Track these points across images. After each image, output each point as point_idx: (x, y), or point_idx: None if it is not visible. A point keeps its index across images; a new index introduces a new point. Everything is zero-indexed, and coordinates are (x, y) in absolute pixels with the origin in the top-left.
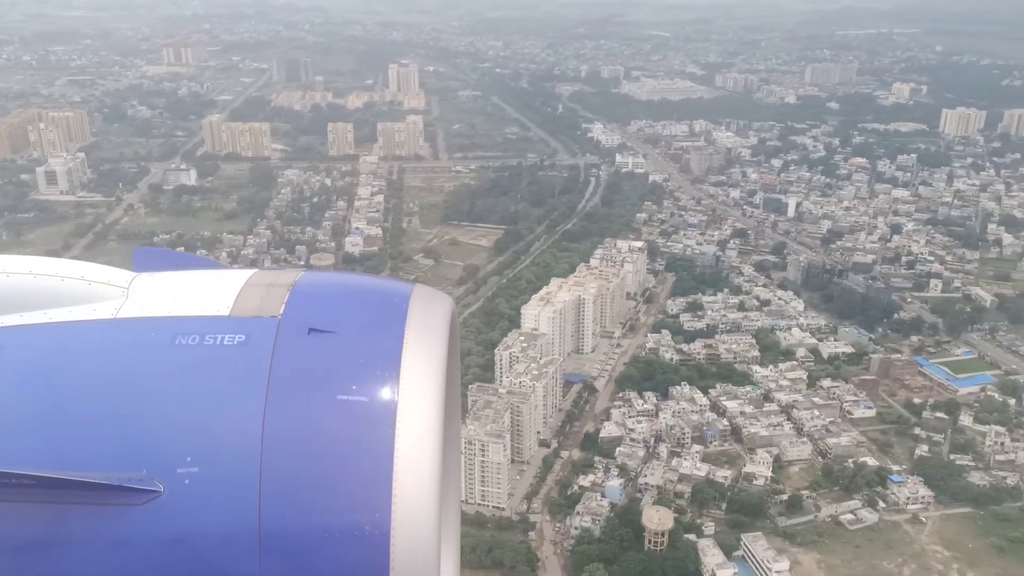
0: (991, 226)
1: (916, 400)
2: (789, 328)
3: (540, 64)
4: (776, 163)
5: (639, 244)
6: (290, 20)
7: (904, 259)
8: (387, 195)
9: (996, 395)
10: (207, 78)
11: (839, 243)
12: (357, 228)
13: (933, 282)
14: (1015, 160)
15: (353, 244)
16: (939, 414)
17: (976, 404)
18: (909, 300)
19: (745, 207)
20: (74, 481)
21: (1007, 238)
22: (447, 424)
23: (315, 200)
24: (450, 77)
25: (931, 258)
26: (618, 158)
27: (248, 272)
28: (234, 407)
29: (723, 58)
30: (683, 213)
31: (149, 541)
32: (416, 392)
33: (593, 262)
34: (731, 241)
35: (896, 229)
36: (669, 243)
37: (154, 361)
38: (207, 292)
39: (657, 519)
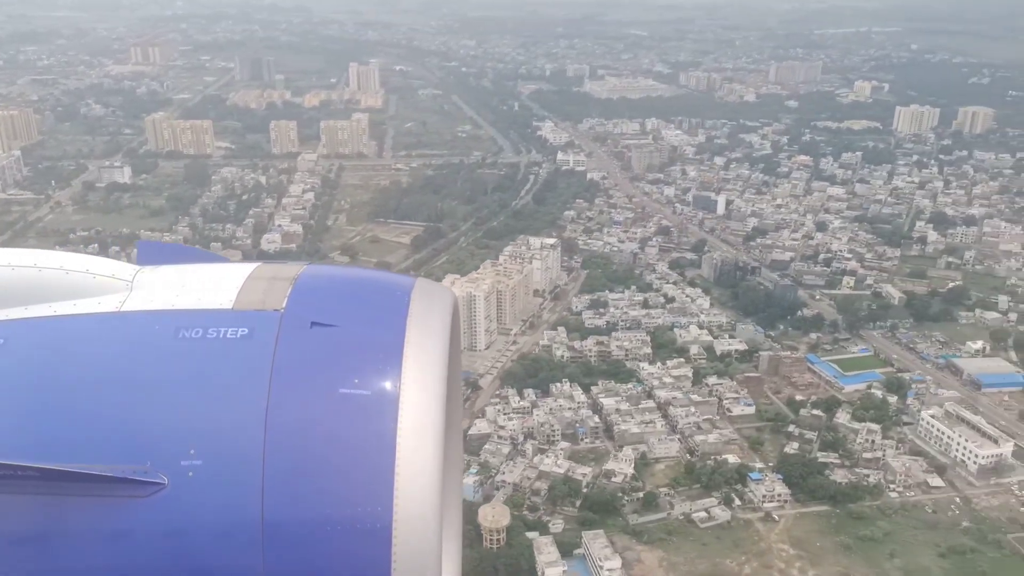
0: (919, 224)
1: (799, 397)
2: (687, 325)
3: (508, 63)
4: (719, 161)
5: (551, 241)
6: (270, 20)
7: (822, 257)
8: (320, 193)
9: (879, 393)
10: (170, 77)
11: (760, 240)
12: (279, 225)
13: (846, 279)
14: (961, 157)
15: (270, 241)
16: (816, 412)
17: (855, 402)
18: (817, 297)
19: (677, 205)
20: (78, 473)
21: (932, 236)
22: (449, 417)
23: (245, 197)
24: (416, 76)
25: (849, 256)
26: (560, 156)
27: (251, 265)
28: (237, 400)
29: (694, 57)
30: (612, 210)
31: (153, 533)
32: (418, 385)
33: (502, 259)
34: (654, 239)
35: (822, 227)
36: (590, 240)
37: (158, 354)
38: (210, 285)
39: (492, 516)
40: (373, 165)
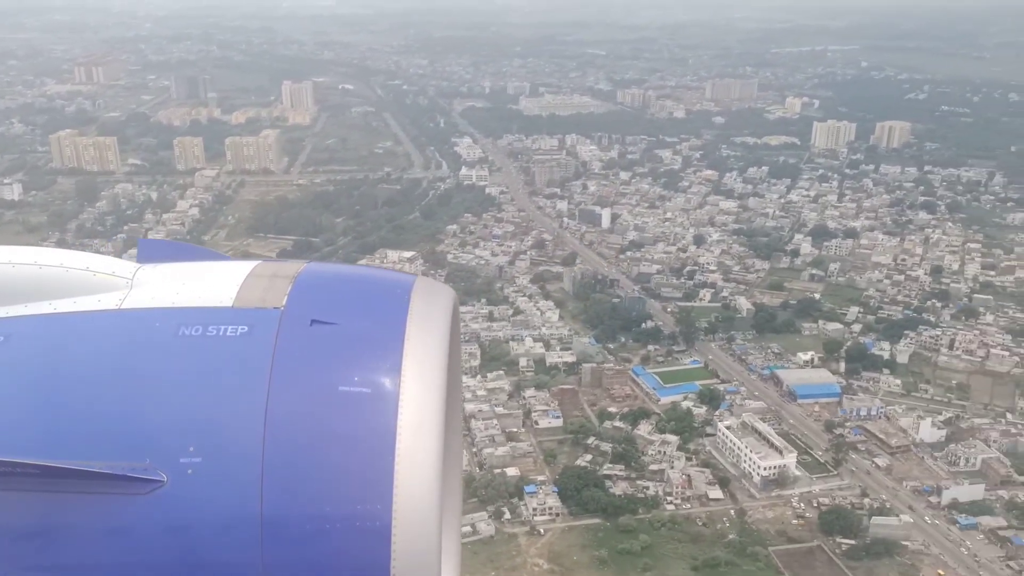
0: (798, 236)
1: (612, 409)
2: (523, 338)
3: (453, 81)
4: (624, 175)
5: (408, 254)
6: (231, 40)
7: (687, 269)
8: (208, 208)
9: (692, 404)
10: (108, 96)
11: (631, 254)
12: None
13: (703, 292)
14: (866, 171)
15: (131, 256)
16: (618, 423)
17: (662, 414)
18: (670, 310)
19: (564, 219)
20: (78, 471)
21: (806, 248)
22: (449, 415)
23: (129, 213)
24: (357, 94)
25: (714, 269)
26: (463, 171)
27: (252, 263)
28: (237, 398)
29: (642, 75)
30: (497, 224)
31: (152, 530)
32: (418, 383)
33: None
34: (527, 252)
35: (699, 240)
36: (462, 254)
37: (158, 351)
38: (211, 283)
39: None
40: (276, 181)
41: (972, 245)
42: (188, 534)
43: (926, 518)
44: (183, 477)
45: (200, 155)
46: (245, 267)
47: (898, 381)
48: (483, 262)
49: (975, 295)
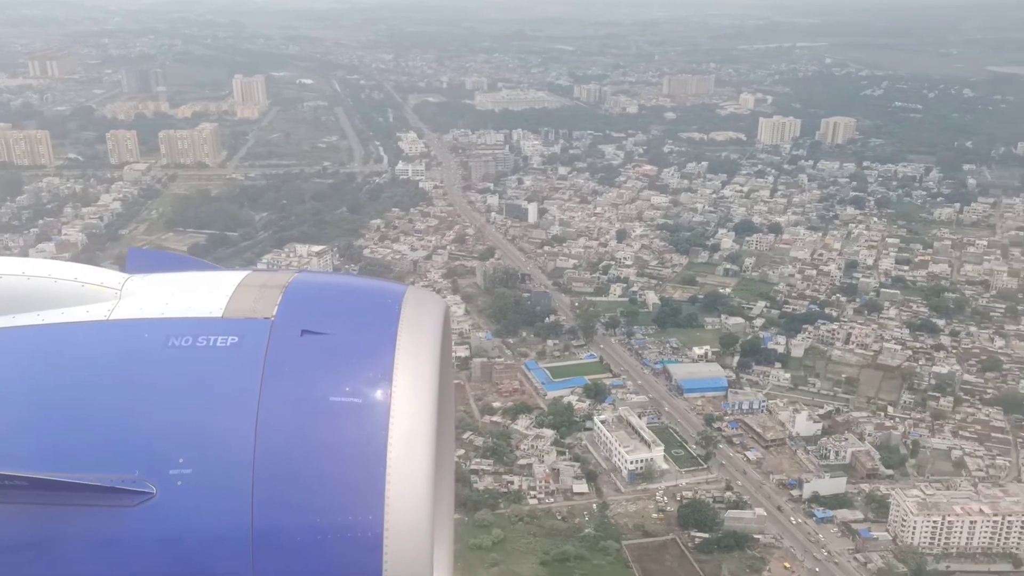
0: (722, 231)
1: (496, 404)
2: None
3: (413, 76)
4: (563, 170)
5: (318, 248)
6: (196, 35)
7: (603, 264)
8: (132, 202)
9: (577, 399)
10: (59, 90)
11: (548, 248)
12: (63, 234)
13: (614, 287)
14: (804, 167)
15: (40, 250)
16: (497, 418)
17: (546, 408)
18: (577, 305)
19: (492, 214)
20: (67, 483)
21: (727, 243)
22: (440, 425)
23: (49, 207)
24: (313, 89)
25: (629, 263)
26: (400, 166)
27: (242, 273)
28: (227, 409)
29: (604, 71)
30: (423, 219)
31: (142, 543)
32: (409, 393)
33: (261, 267)
34: (448, 246)
35: (623, 235)
36: (380, 248)
37: (147, 362)
38: (200, 293)
39: None
40: (209, 175)
41: (891, 240)
42: (178, 546)
43: (781, 510)
44: (173, 489)
45: (134, 148)
46: (235, 277)
47: (788, 375)
48: (399, 257)
49: (883, 289)
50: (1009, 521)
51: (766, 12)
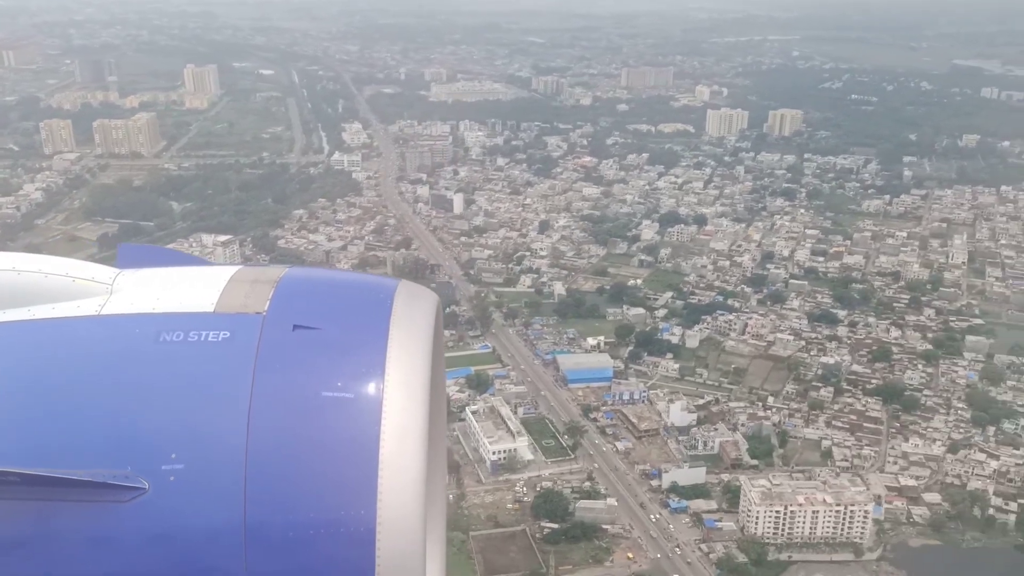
0: (646, 222)
1: None
2: None
3: (374, 68)
4: (502, 161)
5: (224, 238)
6: (165, 25)
7: (517, 255)
8: (56, 192)
9: (459, 389)
10: (12, 80)
11: (468, 239)
12: None
13: (524, 278)
14: (745, 159)
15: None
16: None
17: None
18: (484, 295)
19: (419, 204)
20: (59, 478)
21: (648, 234)
22: (432, 420)
23: None
24: (271, 80)
25: (544, 254)
26: (336, 156)
27: (233, 268)
28: (219, 404)
29: (569, 63)
30: (349, 210)
31: (134, 538)
32: (401, 388)
33: None
34: (367, 237)
35: (544, 226)
36: (295, 239)
37: (138, 358)
38: (192, 288)
39: None
40: (142, 165)
41: (811, 231)
42: (171, 542)
43: (639, 500)
44: (165, 484)
45: (68, 138)
46: (226, 272)
47: (676, 366)
48: (313, 247)
49: (792, 280)
50: (851, 511)
51: (745, 6)
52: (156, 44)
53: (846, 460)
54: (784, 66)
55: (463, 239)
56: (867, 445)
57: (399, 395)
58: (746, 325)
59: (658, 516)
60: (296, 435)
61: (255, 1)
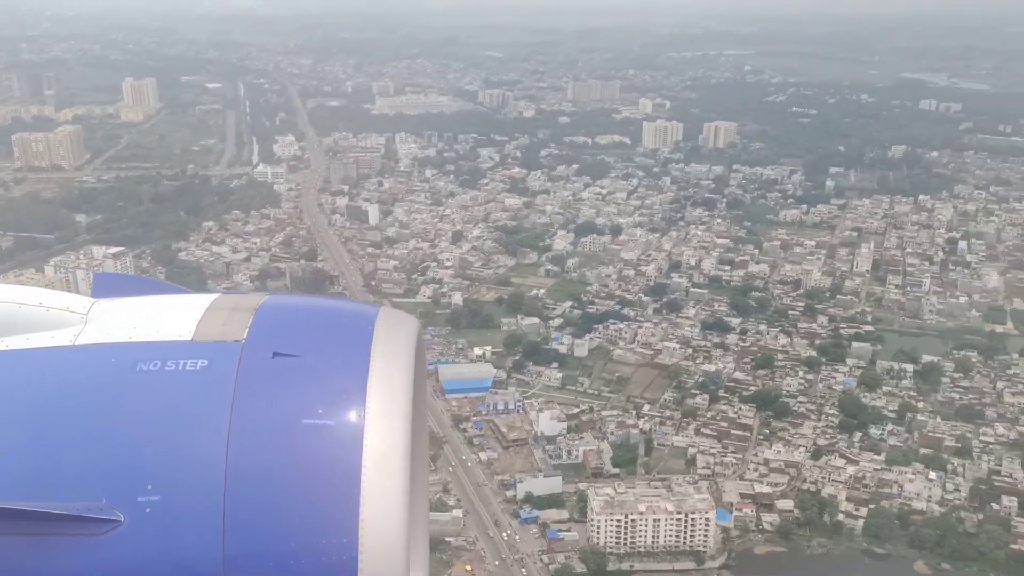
0: (561, 232)
1: None
2: None
3: (323, 81)
4: (429, 173)
5: (115, 250)
6: (119, 40)
7: (422, 266)
8: None
9: None
10: None
11: (376, 250)
12: None
13: (425, 288)
14: (670, 170)
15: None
16: None
17: None
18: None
19: (335, 215)
20: (31, 512)
21: (560, 244)
22: (414, 446)
23: None
24: (216, 93)
25: (449, 264)
26: (260, 168)
27: (212, 296)
28: (197, 433)
29: (520, 77)
30: (262, 221)
31: (109, 572)
32: (383, 415)
33: (48, 270)
34: (273, 248)
35: (457, 236)
36: (198, 251)
37: (114, 387)
38: (169, 317)
39: None
40: (61, 178)
41: (722, 240)
42: (147, 574)
43: (492, 512)
44: (141, 516)
45: None
46: (204, 300)
47: (560, 375)
48: (214, 259)
49: (693, 289)
50: (693, 519)
51: (708, 21)
52: (106, 59)
53: (708, 467)
54: (733, 80)
55: (371, 250)
56: (732, 452)
57: (381, 422)
58: (636, 334)
59: (509, 527)
60: (276, 464)
61: (217, 16)
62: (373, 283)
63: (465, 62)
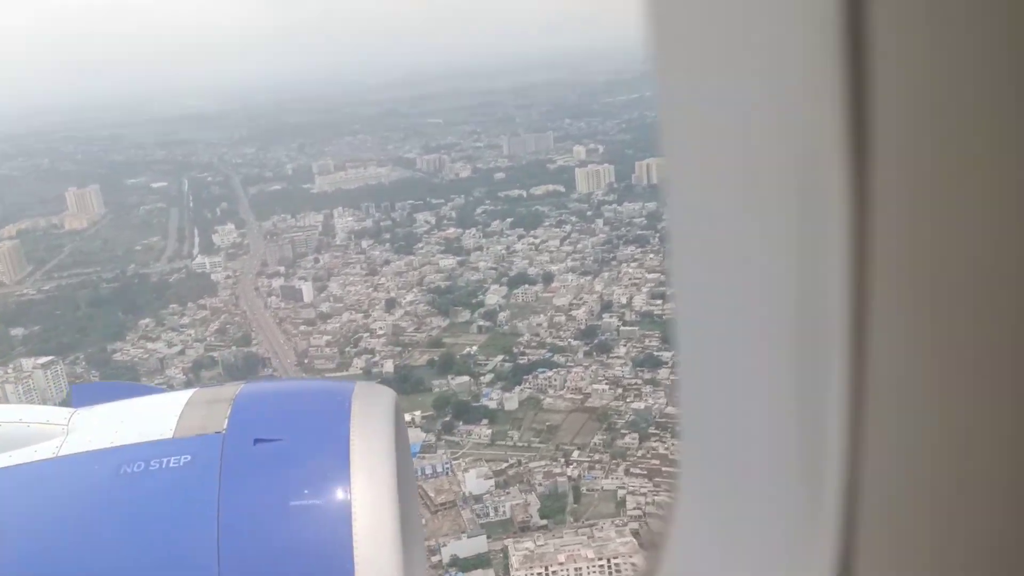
0: (495, 287)
1: None
2: None
3: (264, 168)
4: (366, 243)
5: (45, 360)
6: (70, 152)
7: (355, 337)
8: None
9: None
10: None
11: (308, 327)
12: None
13: (358, 360)
14: (603, 212)
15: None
16: None
17: None
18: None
19: (271, 297)
20: None
21: (492, 299)
22: (405, 514)
23: None
24: (159, 192)
25: (381, 333)
26: (198, 259)
27: (189, 392)
28: (185, 528)
29: (459, 139)
30: (198, 312)
31: None
32: (369, 488)
33: None
34: (208, 338)
35: (390, 304)
36: (134, 349)
37: (99, 494)
38: (149, 417)
39: None
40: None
41: (651, 275)
42: None
43: None
44: None
45: None
46: (182, 397)
47: (489, 431)
48: (149, 356)
49: (623, 327)
50: (616, 564)
51: (644, 64)
52: (56, 171)
53: (639, 508)
54: None
55: (303, 328)
56: (664, 490)
57: (367, 495)
58: (565, 380)
59: None
60: (268, 549)
61: (164, 118)
62: (306, 361)
63: (405, 132)
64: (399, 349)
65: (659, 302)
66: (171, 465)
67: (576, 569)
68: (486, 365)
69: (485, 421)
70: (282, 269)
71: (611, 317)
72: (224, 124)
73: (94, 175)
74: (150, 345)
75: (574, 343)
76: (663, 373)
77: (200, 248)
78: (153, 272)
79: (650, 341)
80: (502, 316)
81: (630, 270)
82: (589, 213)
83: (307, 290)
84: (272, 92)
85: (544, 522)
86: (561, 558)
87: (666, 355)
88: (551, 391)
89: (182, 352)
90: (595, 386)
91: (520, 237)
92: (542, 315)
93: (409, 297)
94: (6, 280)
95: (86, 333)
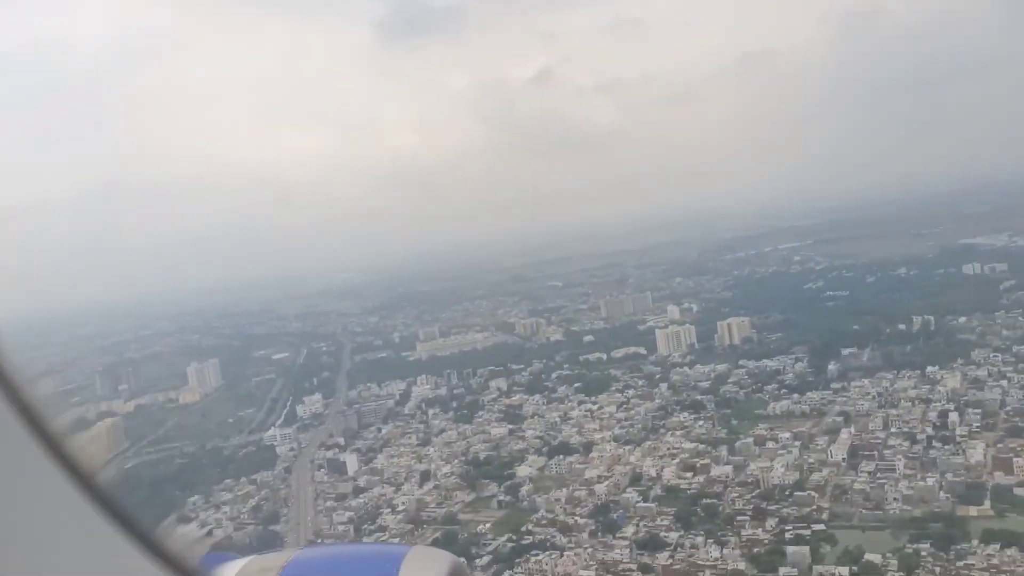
0: (532, 458)
1: None
2: None
3: (375, 336)
4: (431, 413)
5: None
6: (216, 327)
7: (381, 514)
8: None
9: None
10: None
11: (340, 503)
12: None
13: (376, 536)
14: (671, 375)
15: None
16: None
17: None
18: None
19: (321, 470)
20: None
21: (524, 470)
22: None
23: None
24: (279, 363)
25: (402, 509)
26: (270, 432)
27: (243, 561)
28: None
29: (567, 302)
30: (245, 487)
31: None
32: None
33: None
34: (243, 515)
35: (425, 476)
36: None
37: None
38: None
39: None
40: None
41: (689, 445)
42: None
43: None
44: None
45: None
46: (235, 566)
47: None
48: (194, 535)
49: (641, 504)
50: None
51: (772, 220)
52: (200, 346)
53: None
54: (777, 273)
55: (330, 503)
56: None
57: None
58: (556, 564)
59: None
60: None
61: (311, 291)
62: (317, 541)
63: (520, 296)
64: (411, 527)
65: (689, 474)
66: None
67: None
68: (490, 545)
69: None
70: (342, 441)
71: (635, 492)
72: (365, 294)
73: (229, 348)
74: (182, 528)
75: (582, 521)
76: (662, 557)
77: (284, 420)
78: (227, 446)
79: (663, 520)
80: (523, 490)
81: (672, 439)
82: (657, 376)
83: (351, 463)
84: (419, 261)
85: None
86: None
87: (673, 536)
88: None
89: (209, 533)
90: (582, 572)
91: (580, 403)
92: (564, 489)
93: (445, 469)
94: (104, 456)
95: (141, 512)
